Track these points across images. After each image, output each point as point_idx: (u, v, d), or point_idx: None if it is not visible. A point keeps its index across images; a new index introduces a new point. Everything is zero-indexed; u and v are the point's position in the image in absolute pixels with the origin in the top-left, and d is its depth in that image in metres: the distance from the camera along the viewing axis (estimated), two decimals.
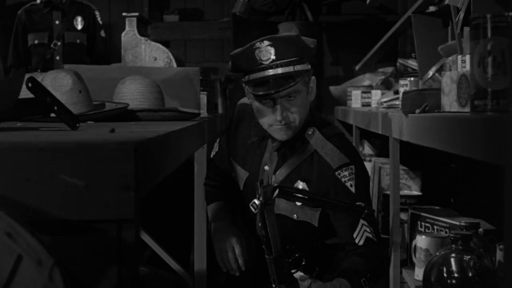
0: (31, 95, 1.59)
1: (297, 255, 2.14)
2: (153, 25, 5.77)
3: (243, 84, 2.45)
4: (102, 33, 4.93)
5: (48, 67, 4.50)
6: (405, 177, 3.52)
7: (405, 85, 2.99)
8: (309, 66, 2.40)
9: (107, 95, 2.65)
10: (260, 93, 2.34)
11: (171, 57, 3.65)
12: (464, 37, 2.63)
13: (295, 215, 2.48)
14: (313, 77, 2.47)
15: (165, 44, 5.31)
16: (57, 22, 4.73)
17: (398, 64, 4.06)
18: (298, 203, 2.44)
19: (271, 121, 2.40)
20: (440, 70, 2.81)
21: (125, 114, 2.42)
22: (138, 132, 1.55)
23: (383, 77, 4.51)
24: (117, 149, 1.11)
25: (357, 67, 5.39)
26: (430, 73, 2.87)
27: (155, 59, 3.61)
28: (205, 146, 2.94)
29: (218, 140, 2.80)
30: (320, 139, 2.48)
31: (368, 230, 2.38)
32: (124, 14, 3.73)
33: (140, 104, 2.57)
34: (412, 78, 2.99)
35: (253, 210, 2.16)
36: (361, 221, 2.38)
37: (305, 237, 2.50)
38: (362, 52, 5.50)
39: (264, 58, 2.34)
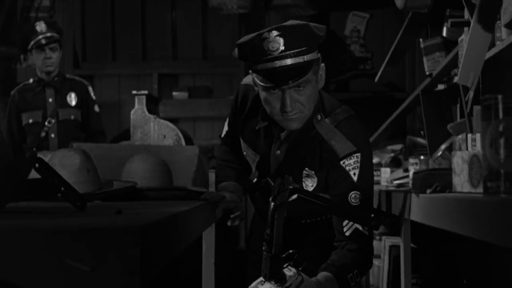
0: (38, 176, 1.58)
1: (290, 251, 2.11)
2: (162, 102, 5.82)
3: (250, 72, 2.35)
4: (96, 108, 4.86)
5: (43, 146, 4.55)
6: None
7: (415, 163, 2.97)
8: (319, 55, 2.32)
9: (115, 174, 2.65)
10: (269, 85, 2.27)
11: (180, 135, 3.66)
12: (474, 116, 2.62)
13: None
14: (322, 64, 2.37)
15: (174, 121, 5.35)
16: (50, 100, 4.70)
17: (407, 141, 4.05)
18: (310, 187, 2.43)
19: (279, 112, 2.31)
20: (449, 148, 2.80)
21: (134, 193, 2.41)
22: (145, 213, 1.53)
23: (392, 154, 4.49)
24: (123, 234, 1.09)
25: None
26: (440, 151, 2.86)
27: (164, 137, 3.62)
28: (214, 225, 2.90)
29: (227, 120, 2.73)
30: (327, 126, 2.41)
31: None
32: (133, 92, 3.76)
33: (148, 182, 2.56)
34: (422, 157, 2.97)
35: (270, 182, 2.16)
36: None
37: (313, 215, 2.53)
38: (370, 129, 5.50)
39: (272, 49, 2.23)
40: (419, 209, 2.18)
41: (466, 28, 2.98)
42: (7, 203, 1.68)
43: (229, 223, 2.60)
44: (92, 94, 4.85)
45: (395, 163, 4.32)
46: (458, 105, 3.47)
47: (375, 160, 4.66)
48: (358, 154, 2.37)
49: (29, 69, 5.54)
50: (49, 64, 4.66)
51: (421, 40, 3.97)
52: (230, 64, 6.07)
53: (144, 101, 3.71)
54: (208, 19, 6.38)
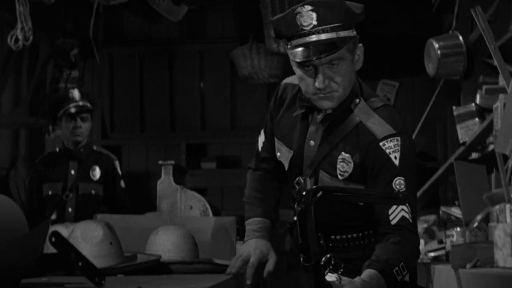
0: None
1: (327, 255, 1.98)
2: (190, 172, 5.75)
3: (287, 50, 2.32)
4: (122, 184, 4.60)
5: (60, 219, 4.30)
6: None
7: (451, 235, 2.85)
8: (355, 33, 2.28)
9: (140, 246, 2.57)
10: (300, 60, 2.24)
11: (207, 205, 3.58)
12: None
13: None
14: (360, 45, 2.33)
15: (202, 191, 5.27)
16: (72, 172, 4.47)
17: (440, 212, 3.95)
18: (341, 178, 2.33)
19: (313, 90, 2.28)
20: (486, 219, 2.69)
21: (157, 267, 2.33)
22: None
23: (425, 225, 4.36)
24: None
25: None
26: (476, 222, 2.75)
27: (191, 207, 3.54)
28: None
29: (261, 132, 2.65)
30: (365, 109, 2.34)
31: (406, 209, 2.24)
32: (160, 162, 3.70)
33: (173, 256, 2.47)
34: (458, 229, 2.86)
35: (296, 187, 2.22)
36: None
37: (351, 222, 2.41)
38: None
39: (305, 24, 2.23)
40: (459, 285, 2.06)
41: (501, 95, 2.90)
42: (22, 279, 1.59)
43: (264, 275, 2.48)
44: (118, 169, 4.64)
45: (428, 235, 4.20)
46: (494, 174, 3.37)
47: None
48: (398, 138, 2.29)
49: (57, 140, 5.46)
50: (78, 133, 4.46)
51: (453, 107, 3.90)
52: (259, 133, 6.01)
53: (171, 171, 3.64)
54: (237, 89, 6.37)
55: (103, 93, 6.32)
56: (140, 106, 6.35)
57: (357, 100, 2.35)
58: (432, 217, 4.48)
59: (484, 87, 3.32)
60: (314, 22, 2.23)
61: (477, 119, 3.61)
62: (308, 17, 2.24)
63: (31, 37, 4.90)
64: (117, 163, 4.63)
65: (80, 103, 4.48)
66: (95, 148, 4.68)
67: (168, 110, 6.36)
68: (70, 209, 4.41)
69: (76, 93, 4.50)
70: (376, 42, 6.08)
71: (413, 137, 5.08)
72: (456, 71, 3.88)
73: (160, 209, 3.55)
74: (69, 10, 6.15)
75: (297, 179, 2.28)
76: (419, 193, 4.87)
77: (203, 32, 6.44)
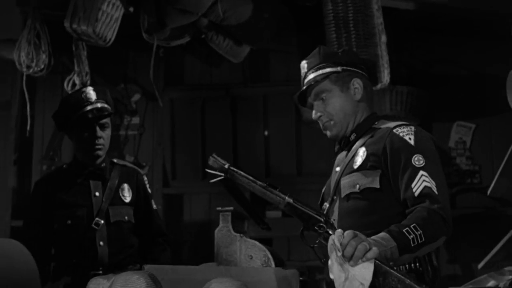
0: None
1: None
2: (252, 221, 5.47)
3: None
4: (154, 205, 3.72)
5: (91, 256, 3.42)
6: None
7: None
8: (339, 68, 2.71)
9: None
10: (296, 99, 2.83)
11: (269, 255, 3.28)
12: None
13: (357, 185, 2.52)
14: (356, 79, 2.72)
15: (267, 241, 4.97)
16: (97, 194, 3.50)
17: None
18: (355, 168, 2.55)
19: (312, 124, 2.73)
20: None
21: None
22: None
23: (510, 277, 4.01)
24: None
25: (479, 266, 4.87)
26: None
27: (251, 257, 3.24)
28: None
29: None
30: (385, 122, 2.68)
31: (428, 180, 2.35)
32: (218, 208, 3.42)
33: None
34: None
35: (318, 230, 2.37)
36: (421, 172, 2.38)
37: (372, 215, 2.48)
38: (482, 249, 5.00)
39: (302, 72, 2.83)
40: None
41: None
42: None
43: None
44: (148, 186, 3.75)
45: None
46: None
47: (491, 283, 4.19)
48: (411, 127, 2.53)
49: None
50: (99, 146, 3.48)
51: None
52: (326, 180, 5.72)
53: (230, 218, 3.36)
54: (302, 133, 6.10)
55: (164, 139, 6.13)
56: (202, 152, 6.13)
57: (377, 122, 2.71)
58: None
59: None
60: (305, 70, 2.81)
61: None
62: (302, 68, 2.85)
63: (88, 82, 4.79)
64: (145, 178, 3.78)
65: (98, 105, 3.49)
66: (115, 161, 3.70)
67: (231, 156, 6.09)
68: (101, 243, 3.45)
69: (91, 92, 3.53)
70: (448, 82, 5.80)
71: (494, 181, 4.78)
72: None
73: (217, 260, 3.26)
74: (129, 55, 6.04)
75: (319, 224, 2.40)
76: (502, 242, 4.55)
77: (266, 75, 6.22)
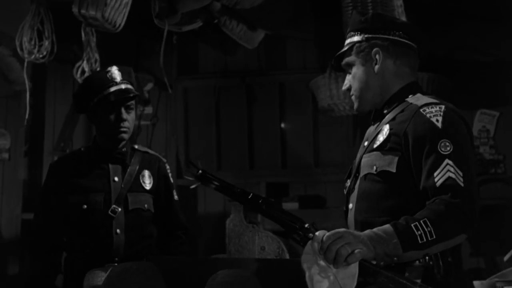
0: None
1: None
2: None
3: None
4: (176, 196, 3.50)
5: (107, 245, 3.25)
6: None
7: None
8: (362, 37, 2.50)
9: None
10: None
11: (283, 247, 3.14)
12: None
13: (375, 167, 2.34)
14: (377, 49, 2.48)
15: (284, 234, 4.81)
16: (116, 179, 3.34)
17: None
18: (374, 147, 2.37)
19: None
20: None
21: None
22: None
23: None
24: None
25: (505, 258, 4.69)
26: None
27: (264, 249, 3.09)
28: None
29: None
30: (418, 96, 2.44)
31: (453, 170, 2.14)
32: (229, 199, 3.24)
33: None
34: None
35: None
36: (447, 160, 2.16)
37: (388, 201, 2.29)
38: (507, 241, 4.83)
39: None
40: None
41: None
42: None
43: None
44: (170, 176, 3.55)
45: None
46: None
47: None
48: (442, 106, 2.29)
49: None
50: (124, 129, 3.30)
51: None
52: (345, 171, 5.54)
53: (241, 208, 3.21)
54: (320, 123, 5.93)
55: (178, 130, 6.00)
56: (216, 142, 6.00)
57: (410, 95, 2.44)
58: None
59: None
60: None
61: None
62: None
63: (98, 69, 4.65)
64: (168, 167, 3.57)
65: (123, 86, 3.31)
66: (137, 147, 3.51)
67: (246, 147, 5.97)
68: (118, 231, 3.27)
69: (116, 72, 3.33)
70: (470, 68, 5.61)
71: None
72: None
73: (229, 251, 3.11)
74: (142, 43, 5.91)
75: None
76: None
77: (283, 62, 6.05)
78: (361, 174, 2.37)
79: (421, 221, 2.05)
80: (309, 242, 2.04)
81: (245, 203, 2.27)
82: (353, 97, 2.54)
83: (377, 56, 2.48)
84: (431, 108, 2.28)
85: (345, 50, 2.54)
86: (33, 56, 4.55)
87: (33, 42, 4.49)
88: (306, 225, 2.13)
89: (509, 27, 5.35)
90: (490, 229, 5.63)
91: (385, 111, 2.46)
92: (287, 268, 2.57)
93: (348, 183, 2.49)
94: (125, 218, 3.26)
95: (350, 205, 2.41)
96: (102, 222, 3.22)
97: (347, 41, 2.55)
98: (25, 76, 4.87)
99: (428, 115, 2.26)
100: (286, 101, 6.00)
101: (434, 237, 2.05)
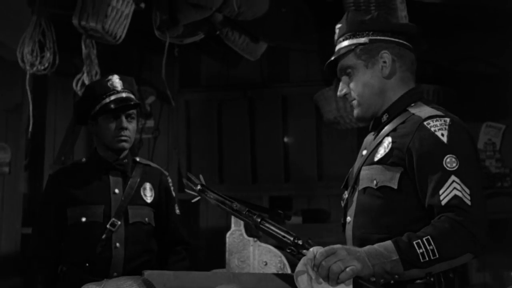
0: None
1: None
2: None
3: None
4: (177, 210, 3.43)
5: (105, 259, 3.18)
6: None
7: None
8: (366, 39, 2.34)
9: None
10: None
11: (285, 261, 3.07)
12: None
13: (375, 181, 2.23)
14: (385, 52, 2.35)
15: (283, 248, 4.75)
16: (116, 191, 3.27)
17: None
18: (375, 160, 2.26)
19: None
20: None
21: None
22: None
23: None
24: None
25: None
26: None
27: (265, 263, 3.02)
28: None
29: None
30: (420, 106, 2.32)
31: (459, 188, 2.05)
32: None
33: None
34: None
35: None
36: (453, 177, 2.07)
37: (387, 217, 2.21)
38: None
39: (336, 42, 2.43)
40: None
41: None
42: None
43: None
44: (172, 189, 3.49)
45: None
46: None
47: None
48: (447, 119, 2.18)
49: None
50: (124, 138, 3.24)
51: None
52: None
53: (242, 221, 3.12)
54: (323, 135, 5.88)
55: (180, 143, 5.96)
56: (219, 156, 5.96)
57: (413, 104, 2.33)
58: None
59: None
60: (336, 37, 2.42)
61: None
62: (335, 32, 2.44)
63: None
64: (170, 180, 3.51)
65: (124, 95, 3.27)
66: (138, 159, 3.45)
67: (249, 160, 5.92)
68: (118, 244, 3.21)
69: (117, 81, 3.31)
70: (476, 80, 5.57)
71: None
72: None
73: (229, 266, 3.04)
74: (143, 56, 5.88)
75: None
76: None
77: (285, 74, 6.01)
78: (360, 187, 2.27)
79: (424, 239, 1.98)
80: (303, 258, 2.00)
81: (241, 218, 2.22)
82: (354, 103, 2.38)
83: (386, 59, 2.34)
84: (436, 121, 2.18)
85: (343, 53, 2.36)
86: (35, 68, 4.52)
87: (34, 54, 4.45)
88: (300, 241, 2.09)
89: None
90: (496, 244, 5.55)
91: (384, 119, 2.36)
92: (287, 283, 2.49)
93: (346, 195, 2.40)
94: (125, 232, 3.20)
95: (348, 219, 2.33)
96: (101, 236, 3.16)
97: (345, 43, 2.36)
98: (27, 88, 4.82)
99: (432, 129, 2.16)
100: (289, 113, 5.96)
101: (437, 256, 1.98)
